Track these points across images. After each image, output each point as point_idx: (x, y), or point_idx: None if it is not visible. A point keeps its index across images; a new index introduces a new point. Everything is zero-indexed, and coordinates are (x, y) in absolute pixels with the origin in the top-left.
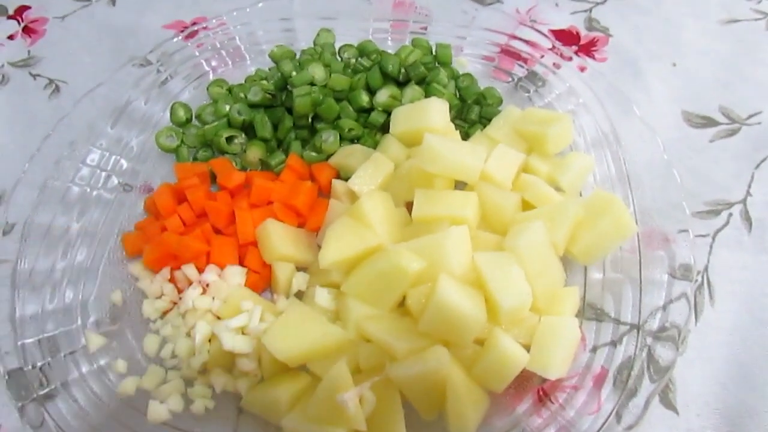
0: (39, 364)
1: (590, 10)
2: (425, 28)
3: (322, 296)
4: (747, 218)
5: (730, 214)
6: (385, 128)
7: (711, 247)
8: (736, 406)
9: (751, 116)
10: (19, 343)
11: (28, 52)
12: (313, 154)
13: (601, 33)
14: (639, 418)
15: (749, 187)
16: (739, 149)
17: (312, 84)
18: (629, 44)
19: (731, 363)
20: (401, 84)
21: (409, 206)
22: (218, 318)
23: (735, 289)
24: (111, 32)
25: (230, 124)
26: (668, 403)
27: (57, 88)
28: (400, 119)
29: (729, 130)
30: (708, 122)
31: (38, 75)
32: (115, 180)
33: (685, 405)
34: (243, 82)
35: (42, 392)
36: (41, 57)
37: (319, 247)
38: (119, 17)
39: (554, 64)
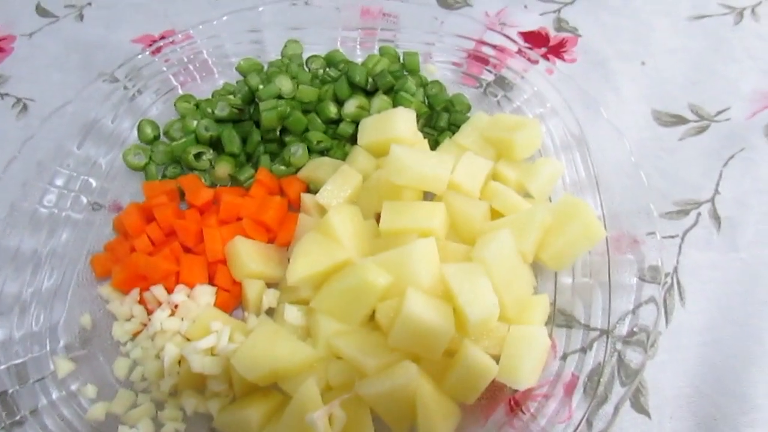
0: (9, 391)
1: (559, 10)
2: (394, 35)
3: (292, 313)
4: (716, 217)
5: (699, 214)
6: (354, 139)
7: (680, 247)
8: (709, 408)
9: (719, 113)
10: None
11: None
12: (282, 167)
13: (570, 33)
14: (609, 424)
15: (717, 185)
16: (708, 147)
17: (279, 97)
18: (598, 44)
19: (704, 364)
20: (369, 93)
21: (379, 218)
22: (188, 339)
23: (706, 288)
24: (79, 48)
25: (198, 140)
26: (640, 408)
27: (25, 107)
28: (368, 130)
29: (698, 128)
30: (678, 120)
31: (6, 94)
32: (83, 200)
33: (657, 408)
34: (211, 96)
35: (9, 421)
36: (9, 76)
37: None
38: (87, 32)
39: (522, 68)
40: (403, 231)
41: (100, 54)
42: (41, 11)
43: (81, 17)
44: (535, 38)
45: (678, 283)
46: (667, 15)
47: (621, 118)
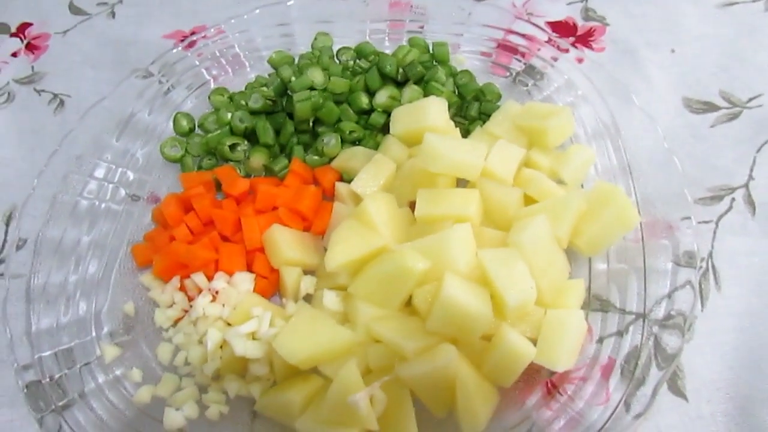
0: (56, 376)
1: (586, 0)
2: (422, 27)
3: (330, 299)
4: (750, 202)
5: (733, 199)
6: (385, 129)
7: (715, 232)
8: (746, 391)
9: (751, 99)
10: (36, 356)
11: (32, 68)
12: (316, 157)
13: (598, 23)
14: (647, 407)
15: (751, 171)
16: (740, 133)
17: (312, 88)
18: (626, 33)
19: (740, 348)
20: (400, 84)
21: (413, 205)
22: (229, 324)
23: (741, 273)
24: (112, 44)
25: (232, 132)
26: (678, 391)
27: (62, 103)
28: (400, 119)
29: (730, 114)
30: (709, 107)
31: (43, 90)
32: (122, 191)
33: (694, 392)
34: (243, 89)
35: (60, 403)
36: (45, 72)
37: (326, 250)
38: (119, 29)
39: (552, 56)
40: (438, 218)
41: (132, 50)
42: (74, 9)
43: (113, 14)
44: (562, 28)
45: (713, 267)
46: (696, 2)
47: (652, 106)
